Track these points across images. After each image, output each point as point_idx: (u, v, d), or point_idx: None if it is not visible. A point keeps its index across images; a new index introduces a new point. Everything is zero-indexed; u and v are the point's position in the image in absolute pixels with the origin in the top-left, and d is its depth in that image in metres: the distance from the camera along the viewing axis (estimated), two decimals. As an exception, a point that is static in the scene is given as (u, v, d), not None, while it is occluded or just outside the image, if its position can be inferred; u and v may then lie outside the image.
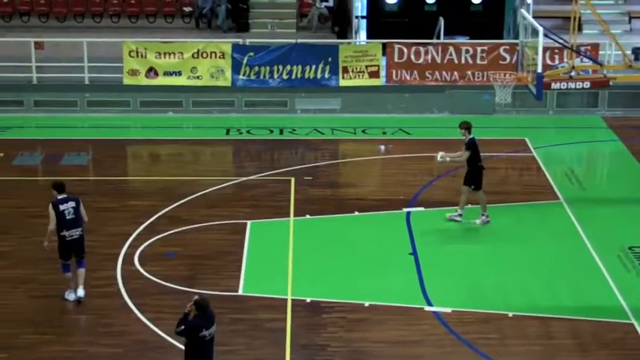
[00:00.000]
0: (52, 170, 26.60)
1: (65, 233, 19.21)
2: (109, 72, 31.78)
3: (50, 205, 19.19)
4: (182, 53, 31.61)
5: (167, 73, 31.67)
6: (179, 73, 31.70)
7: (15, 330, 18.75)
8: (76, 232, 19.31)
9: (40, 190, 25.02)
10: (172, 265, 21.24)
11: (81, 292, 19.73)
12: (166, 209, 24.10)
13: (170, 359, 16.98)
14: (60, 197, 19.28)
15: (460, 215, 23.47)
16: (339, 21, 34.74)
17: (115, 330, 18.74)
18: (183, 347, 15.63)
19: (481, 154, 23.10)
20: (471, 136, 23.11)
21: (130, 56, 31.57)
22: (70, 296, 19.69)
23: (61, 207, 19.17)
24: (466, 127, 23.18)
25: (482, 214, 23.47)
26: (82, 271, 19.67)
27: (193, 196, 24.99)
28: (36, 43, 31.81)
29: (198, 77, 31.62)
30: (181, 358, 15.56)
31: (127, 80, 31.69)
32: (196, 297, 15.76)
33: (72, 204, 19.28)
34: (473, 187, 23.21)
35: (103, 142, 29.29)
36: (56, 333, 18.68)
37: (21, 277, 20.82)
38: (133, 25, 34.52)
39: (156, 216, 23.70)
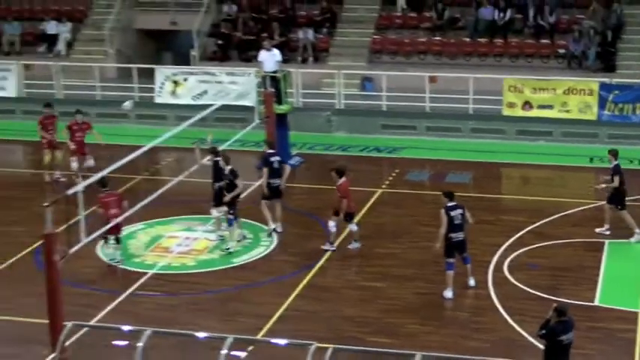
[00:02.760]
0: (437, 186, 26.74)
1: (452, 235, 19.76)
2: (490, 104, 31.95)
3: (443, 210, 19.77)
4: (555, 89, 31.40)
5: (540, 107, 31.55)
6: (551, 107, 31.50)
7: (401, 320, 19.29)
8: (461, 235, 19.86)
9: (427, 202, 25.51)
10: (535, 275, 21.09)
11: (472, 281, 20.46)
12: (533, 225, 23.95)
13: (530, 358, 16.91)
14: (450, 204, 19.85)
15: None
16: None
17: (484, 327, 18.91)
18: (542, 348, 15.62)
19: None
20: None
21: (510, 91, 31.69)
22: (448, 294, 20.06)
23: (452, 213, 19.75)
24: None
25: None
26: (468, 266, 20.41)
27: (558, 215, 24.72)
28: (430, 77, 32.50)
29: (567, 111, 31.31)
30: (540, 358, 15.57)
31: (506, 111, 31.83)
32: (556, 304, 15.70)
33: (460, 210, 19.86)
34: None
35: (482, 165, 29.49)
36: (435, 325, 19.06)
37: (409, 276, 21.34)
38: (512, 65, 34.57)
39: (524, 231, 23.60)
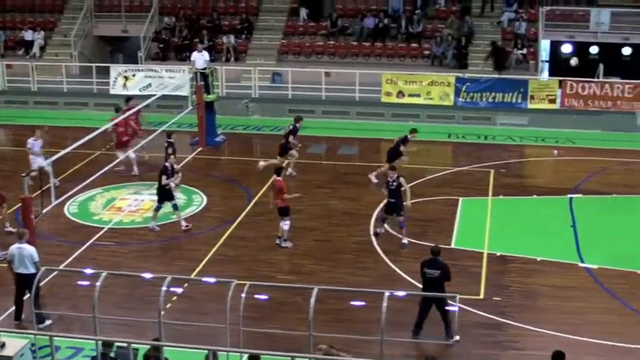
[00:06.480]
0: (331, 157, 26.92)
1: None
2: (371, 93, 31.86)
3: (402, 179, 19.95)
4: (421, 82, 31.50)
5: (410, 95, 31.61)
6: (418, 95, 31.59)
7: (303, 261, 19.21)
8: (392, 199, 19.83)
9: (324, 170, 25.35)
10: (408, 225, 20.96)
11: (405, 240, 19.91)
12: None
13: (402, 288, 16.92)
14: (393, 175, 19.92)
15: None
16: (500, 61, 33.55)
17: (367, 266, 18.94)
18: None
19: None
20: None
21: (387, 83, 31.70)
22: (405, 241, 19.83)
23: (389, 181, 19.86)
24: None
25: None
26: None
27: (424, 178, 24.81)
28: (325, 72, 32.36)
29: (431, 98, 31.45)
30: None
31: (384, 99, 31.80)
32: (433, 245, 15.70)
33: (396, 182, 19.79)
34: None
35: (366, 140, 29.37)
36: (329, 265, 18.97)
37: (309, 227, 21.23)
38: (389, 63, 34.43)
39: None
